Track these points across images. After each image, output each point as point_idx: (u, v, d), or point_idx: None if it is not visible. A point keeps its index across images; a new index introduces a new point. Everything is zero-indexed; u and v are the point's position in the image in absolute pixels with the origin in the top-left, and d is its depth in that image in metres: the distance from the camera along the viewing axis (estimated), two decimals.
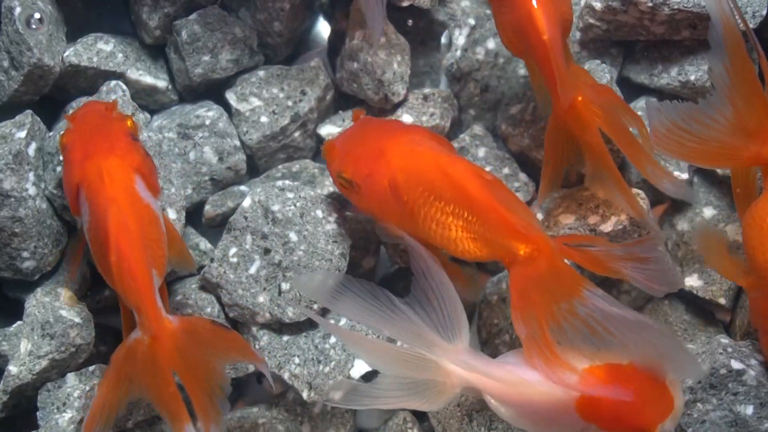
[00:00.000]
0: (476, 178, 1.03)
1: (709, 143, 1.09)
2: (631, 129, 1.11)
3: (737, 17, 1.08)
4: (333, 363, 1.20)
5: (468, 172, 1.04)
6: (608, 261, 1.03)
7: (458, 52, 1.35)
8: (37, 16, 1.08)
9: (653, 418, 1.01)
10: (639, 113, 1.30)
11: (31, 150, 1.24)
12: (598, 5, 1.27)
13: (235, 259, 1.20)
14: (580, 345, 1.02)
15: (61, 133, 1.13)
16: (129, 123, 1.12)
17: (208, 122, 1.29)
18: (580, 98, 1.07)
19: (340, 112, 1.36)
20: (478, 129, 1.32)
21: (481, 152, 1.31)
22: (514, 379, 1.03)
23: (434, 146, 1.08)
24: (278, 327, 1.22)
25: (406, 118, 1.29)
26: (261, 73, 1.33)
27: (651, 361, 1.01)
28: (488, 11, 1.36)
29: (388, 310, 1.04)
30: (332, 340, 1.21)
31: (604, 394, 1.00)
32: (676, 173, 1.27)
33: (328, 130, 1.32)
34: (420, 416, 1.23)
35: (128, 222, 1.03)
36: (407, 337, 1.04)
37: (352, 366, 1.20)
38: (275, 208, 1.19)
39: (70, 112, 1.15)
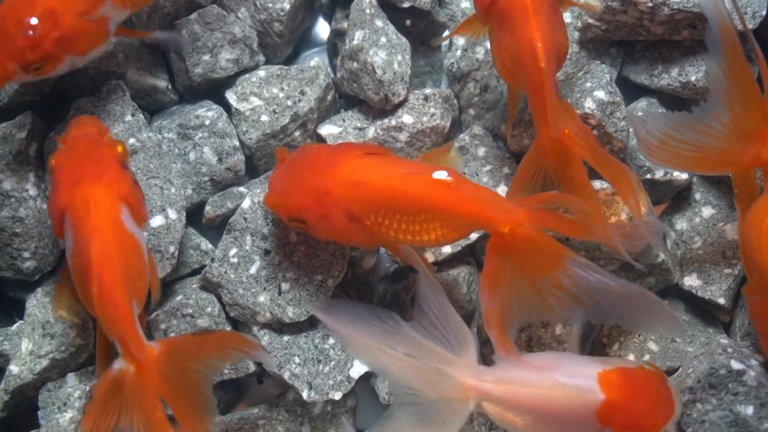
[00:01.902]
0: (436, 185, 1.03)
1: (707, 150, 1.09)
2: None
3: (736, 19, 1.08)
4: (333, 363, 1.21)
5: (424, 182, 1.04)
6: (585, 225, 1.04)
7: (458, 53, 1.35)
8: (33, 21, 1.08)
9: (660, 420, 1.03)
10: (639, 113, 1.31)
11: (32, 151, 1.24)
12: (597, 5, 1.27)
13: (235, 260, 1.20)
14: (567, 315, 1.05)
15: (51, 153, 1.12)
16: (120, 149, 1.11)
17: (207, 122, 1.29)
18: (567, 131, 1.06)
19: (342, 111, 1.36)
20: (477, 129, 1.32)
21: (481, 152, 1.31)
22: (533, 386, 1.03)
23: (376, 168, 1.07)
24: (279, 327, 1.22)
25: (407, 118, 1.28)
26: (261, 72, 1.33)
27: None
28: None
29: (398, 331, 1.06)
30: (332, 340, 1.22)
31: (625, 398, 1.02)
32: (676, 173, 1.27)
33: (328, 130, 1.31)
34: None
35: (111, 254, 1.02)
36: (420, 353, 1.04)
37: (352, 366, 1.21)
38: None
39: (63, 133, 1.15)
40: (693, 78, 1.28)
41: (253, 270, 1.20)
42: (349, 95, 1.34)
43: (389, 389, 1.14)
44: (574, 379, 1.02)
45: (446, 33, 1.40)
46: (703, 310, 1.30)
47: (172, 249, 1.21)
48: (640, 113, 1.31)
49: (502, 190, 1.27)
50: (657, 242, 1.08)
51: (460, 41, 1.35)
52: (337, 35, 1.39)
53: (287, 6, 1.34)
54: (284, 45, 1.39)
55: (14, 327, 1.21)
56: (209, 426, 1.05)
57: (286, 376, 1.19)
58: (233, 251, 1.21)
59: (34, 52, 1.08)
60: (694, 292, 1.26)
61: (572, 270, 1.00)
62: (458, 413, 1.04)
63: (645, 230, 1.06)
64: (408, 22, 1.38)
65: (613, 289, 1.01)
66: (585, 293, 1.01)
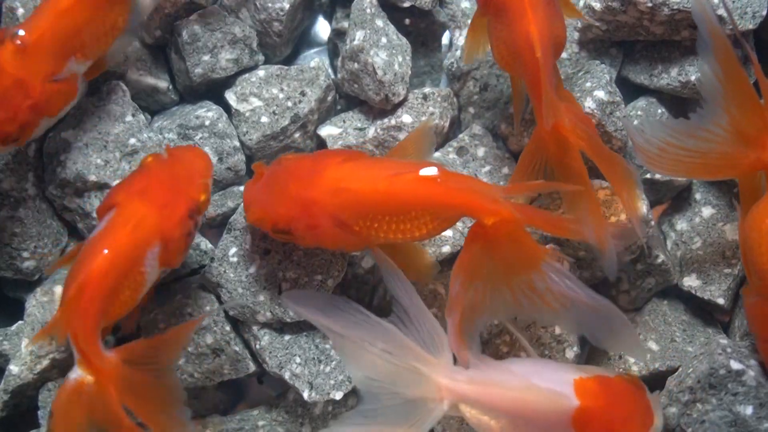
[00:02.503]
0: (421, 182, 1.03)
1: (707, 156, 1.09)
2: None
3: (729, 23, 1.08)
4: (334, 363, 1.21)
5: (410, 181, 1.04)
6: (567, 223, 1.04)
7: (458, 53, 1.35)
8: (21, 33, 1.09)
9: (635, 430, 1.04)
10: (639, 113, 1.31)
11: (31, 150, 1.24)
12: (597, 5, 1.27)
13: (235, 259, 1.20)
14: (535, 318, 1.06)
15: (151, 153, 1.12)
16: (200, 198, 1.08)
17: (207, 123, 1.29)
18: (565, 121, 1.06)
19: (342, 112, 1.36)
20: (477, 128, 1.32)
21: (481, 152, 1.31)
22: (507, 389, 1.04)
23: (360, 173, 1.06)
24: (279, 327, 1.22)
25: (406, 118, 1.28)
26: (261, 72, 1.33)
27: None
28: None
29: (376, 326, 1.06)
30: None
31: (600, 406, 1.02)
32: None
33: (329, 131, 1.31)
34: None
35: (110, 275, 1.00)
36: (397, 350, 1.05)
37: None
38: None
39: (175, 145, 1.18)
40: (693, 77, 1.28)
41: (252, 269, 1.20)
42: (349, 96, 1.34)
43: (355, 380, 1.12)
44: (549, 383, 1.03)
45: (446, 35, 1.40)
46: (702, 311, 1.30)
47: None
48: (639, 114, 1.31)
49: None
50: (653, 242, 1.08)
51: (461, 41, 1.35)
52: (338, 35, 1.39)
53: (287, 5, 1.34)
54: (283, 45, 1.39)
55: (14, 327, 1.22)
56: (183, 419, 1.03)
57: (286, 376, 1.19)
58: (233, 250, 1.21)
59: (11, 125, 1.08)
60: (693, 292, 1.26)
61: (547, 274, 1.00)
62: (431, 413, 1.04)
63: (638, 231, 1.06)
64: (408, 21, 1.38)
65: (584, 302, 1.01)
66: (556, 300, 1.01)
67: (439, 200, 1.03)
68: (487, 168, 1.29)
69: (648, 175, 1.28)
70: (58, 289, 1.21)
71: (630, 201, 1.08)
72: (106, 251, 1.01)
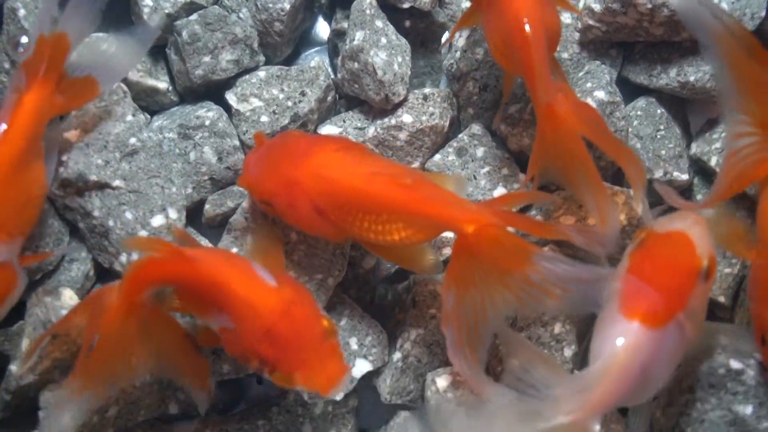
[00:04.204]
0: (397, 187, 1.03)
1: (746, 162, 1.08)
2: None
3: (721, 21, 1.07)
4: None
5: (387, 183, 1.03)
6: (549, 224, 1.05)
7: (458, 53, 1.35)
8: (24, 40, 1.09)
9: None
10: (639, 113, 1.31)
11: None
12: (597, 7, 1.27)
13: None
14: (542, 310, 1.05)
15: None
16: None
17: (207, 122, 1.29)
18: (560, 104, 1.06)
19: (342, 112, 1.36)
20: (476, 128, 1.32)
21: (480, 152, 1.31)
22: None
23: (344, 164, 1.07)
24: None
25: (406, 117, 1.29)
26: (261, 73, 1.33)
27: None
28: None
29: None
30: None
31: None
32: (676, 173, 1.27)
33: (329, 130, 1.32)
34: (420, 416, 1.23)
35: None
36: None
37: (353, 366, 1.21)
38: None
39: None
40: (692, 78, 1.28)
41: None
42: (349, 96, 1.35)
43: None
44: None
45: (446, 35, 1.41)
46: None
47: None
48: (639, 114, 1.31)
49: (499, 192, 1.28)
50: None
51: (460, 43, 1.35)
52: (338, 35, 1.39)
53: (287, 6, 1.34)
54: (284, 45, 1.39)
55: (14, 327, 1.22)
56: None
57: None
58: (233, 251, 1.21)
59: None
60: None
61: (540, 265, 0.99)
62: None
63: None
64: (408, 23, 1.38)
65: (583, 277, 1.00)
66: (556, 286, 1.00)
67: (410, 206, 1.02)
68: (487, 168, 1.30)
69: (647, 176, 1.28)
70: (64, 291, 1.22)
71: (636, 183, 1.07)
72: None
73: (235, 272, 1.02)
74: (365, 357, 1.22)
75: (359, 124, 1.31)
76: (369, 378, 1.24)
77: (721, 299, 1.25)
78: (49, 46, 1.11)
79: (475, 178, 1.29)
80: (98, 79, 1.18)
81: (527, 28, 1.04)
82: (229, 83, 1.34)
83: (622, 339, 1.00)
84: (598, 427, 0.99)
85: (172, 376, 1.13)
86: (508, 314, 1.07)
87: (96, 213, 1.22)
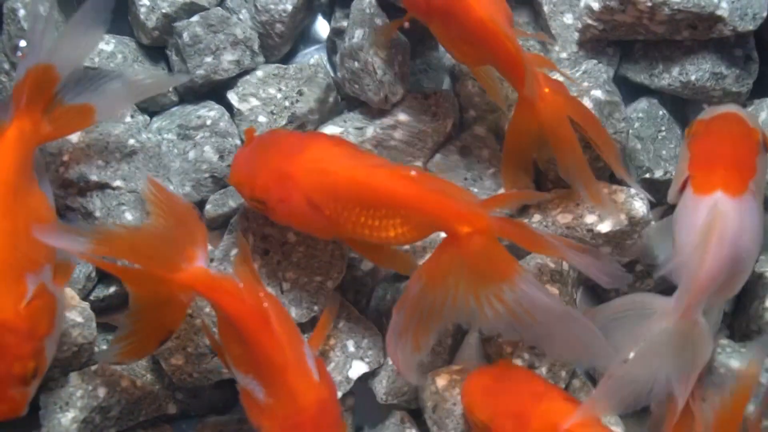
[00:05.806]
0: (400, 179, 1.02)
1: None
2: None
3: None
4: (333, 364, 1.21)
5: (390, 175, 1.02)
6: (546, 240, 1.02)
7: None
8: (22, 44, 1.08)
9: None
10: (640, 115, 1.31)
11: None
12: (595, 5, 1.26)
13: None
14: (503, 331, 1.03)
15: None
16: None
17: (209, 122, 1.29)
18: (547, 89, 1.07)
19: (345, 112, 1.36)
20: (479, 129, 1.32)
21: (485, 154, 1.30)
22: None
23: (342, 159, 1.06)
24: None
25: (405, 117, 1.29)
26: (259, 72, 1.33)
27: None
28: None
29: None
30: (332, 341, 1.22)
31: None
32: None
33: (331, 130, 1.31)
34: (417, 416, 1.23)
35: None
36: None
37: (351, 367, 1.21)
38: None
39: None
40: (693, 77, 1.27)
41: None
42: (350, 97, 1.35)
43: None
44: None
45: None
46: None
47: None
48: (640, 116, 1.31)
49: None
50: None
51: None
52: (337, 34, 1.39)
53: (290, 7, 1.34)
54: (284, 44, 1.39)
55: None
56: None
57: None
58: (234, 251, 1.21)
59: (19, 366, 0.99)
60: None
61: (519, 285, 0.97)
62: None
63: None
64: (407, 25, 1.38)
65: (557, 313, 0.99)
66: (525, 312, 0.98)
67: (412, 201, 1.01)
68: (492, 170, 1.29)
69: (647, 175, 1.27)
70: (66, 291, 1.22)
71: (614, 161, 1.10)
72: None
73: (290, 351, 0.99)
74: (362, 359, 1.22)
75: (360, 125, 1.31)
76: (365, 379, 1.24)
77: None
78: (32, 78, 1.10)
79: (480, 179, 1.29)
80: (97, 107, 1.16)
81: (489, 18, 1.05)
82: (230, 83, 1.34)
83: (709, 211, 1.02)
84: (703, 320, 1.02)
85: None
86: (463, 321, 1.04)
87: (97, 213, 1.22)
